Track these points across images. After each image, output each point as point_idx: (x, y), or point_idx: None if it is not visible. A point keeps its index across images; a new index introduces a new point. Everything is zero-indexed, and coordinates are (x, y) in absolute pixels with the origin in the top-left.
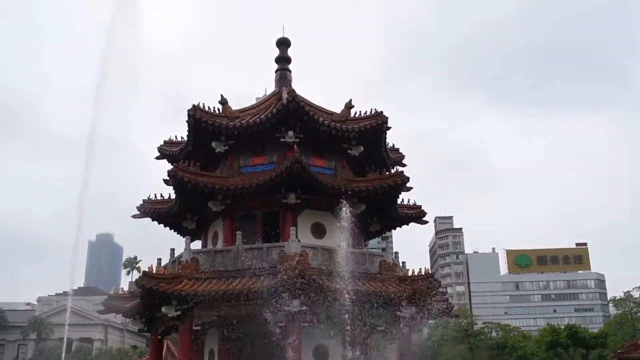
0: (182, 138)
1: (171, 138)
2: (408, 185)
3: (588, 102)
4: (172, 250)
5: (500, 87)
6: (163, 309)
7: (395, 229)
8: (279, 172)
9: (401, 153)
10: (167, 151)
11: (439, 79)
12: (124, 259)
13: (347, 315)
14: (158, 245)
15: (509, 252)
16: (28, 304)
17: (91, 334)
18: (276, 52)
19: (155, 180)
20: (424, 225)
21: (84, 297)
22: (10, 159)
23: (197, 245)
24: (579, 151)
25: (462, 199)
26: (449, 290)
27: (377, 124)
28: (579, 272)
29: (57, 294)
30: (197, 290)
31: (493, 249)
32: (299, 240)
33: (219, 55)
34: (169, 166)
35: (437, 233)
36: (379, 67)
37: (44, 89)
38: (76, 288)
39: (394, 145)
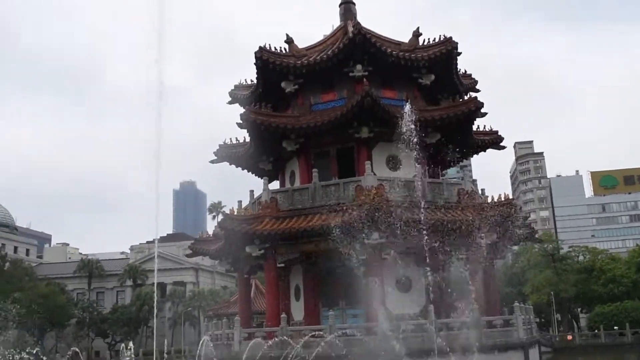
0: (251, 81)
1: (241, 82)
2: (482, 111)
3: None
4: (252, 192)
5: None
6: (247, 249)
7: (472, 156)
8: (350, 107)
9: (473, 79)
10: (238, 95)
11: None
12: (208, 204)
13: (427, 246)
14: (239, 189)
15: (594, 174)
16: (122, 253)
17: (183, 277)
18: None
19: (230, 124)
20: (501, 150)
21: (174, 243)
22: (88, 118)
23: (275, 185)
24: None
25: (541, 122)
26: (532, 215)
27: (447, 50)
28: None
29: (147, 242)
30: (277, 228)
31: (577, 171)
32: (374, 174)
33: None
34: (242, 110)
35: (517, 159)
36: None
37: (106, 46)
38: (165, 235)
39: (465, 72)
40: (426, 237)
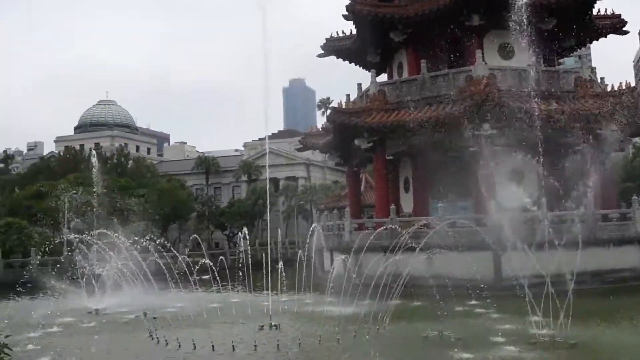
0: None
1: None
2: None
3: None
4: (359, 85)
5: None
6: (355, 142)
7: (590, 42)
8: None
9: None
10: None
11: None
12: (317, 100)
13: (541, 137)
14: (347, 84)
15: None
16: (236, 150)
17: (295, 172)
18: None
19: (336, 19)
20: (624, 36)
21: (285, 140)
22: (202, 19)
23: (382, 78)
24: None
25: None
26: None
27: None
28: None
29: (260, 139)
30: (386, 121)
31: None
32: (485, 63)
33: None
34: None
35: None
36: None
37: None
38: (276, 132)
39: None
40: (540, 128)
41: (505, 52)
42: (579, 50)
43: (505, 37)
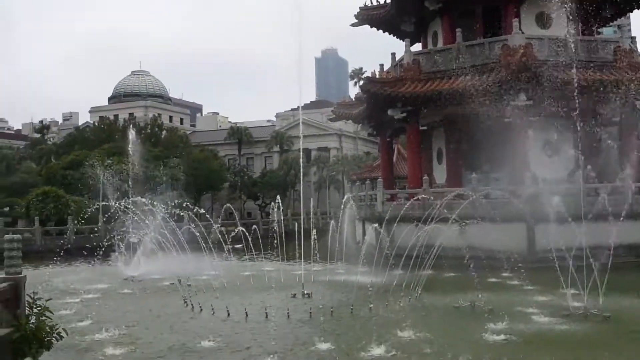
0: None
1: None
2: None
3: None
4: (393, 54)
5: None
6: (389, 112)
7: (630, 12)
8: None
9: None
10: None
11: None
12: (349, 71)
13: (578, 108)
14: (381, 55)
15: None
16: (268, 121)
17: (327, 143)
18: None
19: None
20: None
21: (317, 110)
22: None
23: (417, 48)
24: None
25: None
26: None
27: None
28: None
29: (292, 109)
30: (420, 91)
31: None
32: (522, 32)
33: None
34: None
35: None
36: None
37: None
38: (308, 102)
39: None
40: (577, 99)
41: (543, 21)
42: (618, 20)
43: (542, 6)
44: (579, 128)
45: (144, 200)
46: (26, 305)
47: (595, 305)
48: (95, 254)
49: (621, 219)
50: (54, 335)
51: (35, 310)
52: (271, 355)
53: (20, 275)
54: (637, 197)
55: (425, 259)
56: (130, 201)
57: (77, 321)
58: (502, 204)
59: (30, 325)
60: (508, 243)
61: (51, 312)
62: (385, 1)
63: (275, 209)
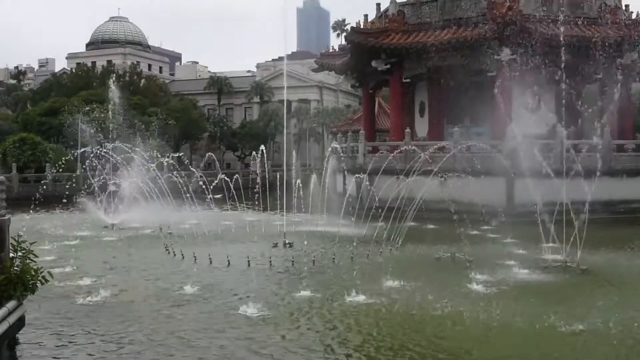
0: None
1: None
2: None
3: None
4: (378, 5)
5: None
6: (373, 63)
7: None
8: None
9: None
10: None
11: None
12: (331, 22)
13: (561, 64)
14: (364, 6)
15: None
16: (248, 71)
17: (307, 95)
18: None
19: None
20: None
21: (298, 61)
22: None
23: None
24: None
25: None
26: None
27: None
28: None
29: (273, 60)
30: (404, 42)
31: None
32: None
33: None
34: None
35: None
36: None
37: None
38: (289, 53)
39: None
40: (561, 55)
41: None
42: None
43: None
44: (560, 85)
45: (123, 146)
46: (10, 248)
47: (573, 258)
48: (74, 201)
49: (598, 175)
50: (39, 278)
51: (19, 253)
52: (254, 301)
53: (4, 218)
54: (615, 155)
55: (407, 211)
56: (109, 147)
57: (58, 267)
58: (482, 158)
59: (15, 268)
60: (488, 196)
61: (35, 255)
62: None
63: (259, 159)
